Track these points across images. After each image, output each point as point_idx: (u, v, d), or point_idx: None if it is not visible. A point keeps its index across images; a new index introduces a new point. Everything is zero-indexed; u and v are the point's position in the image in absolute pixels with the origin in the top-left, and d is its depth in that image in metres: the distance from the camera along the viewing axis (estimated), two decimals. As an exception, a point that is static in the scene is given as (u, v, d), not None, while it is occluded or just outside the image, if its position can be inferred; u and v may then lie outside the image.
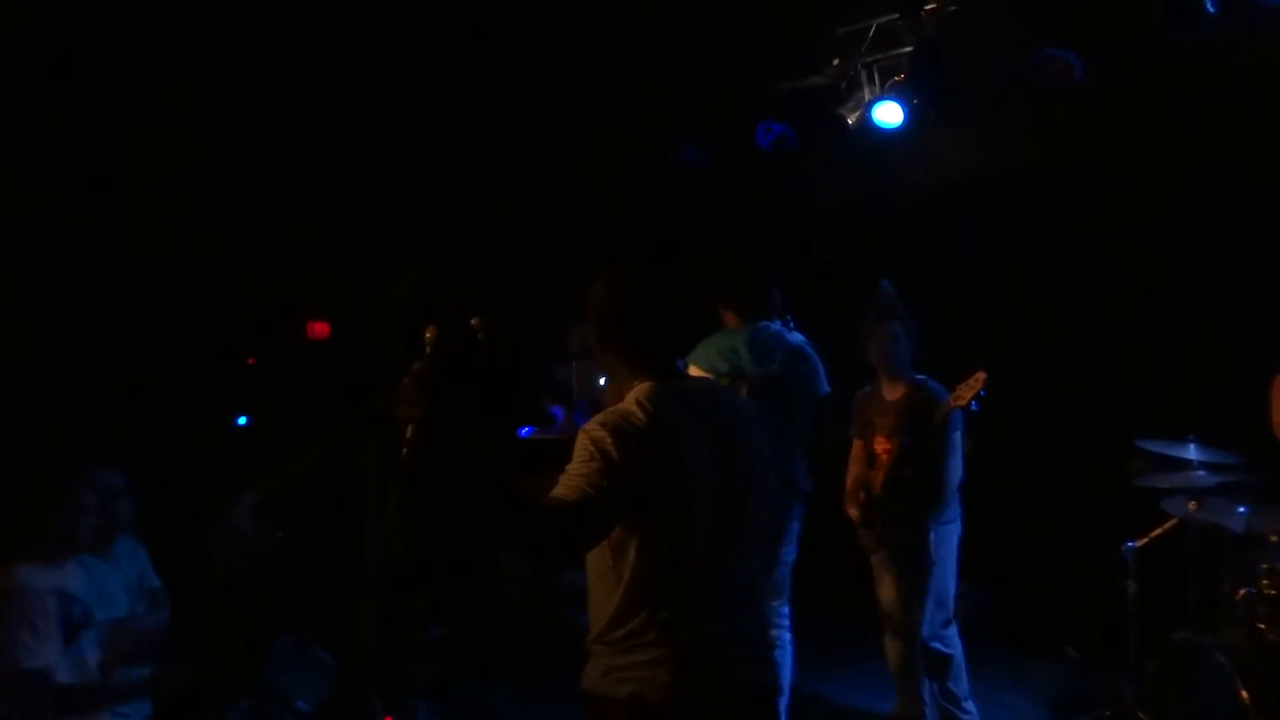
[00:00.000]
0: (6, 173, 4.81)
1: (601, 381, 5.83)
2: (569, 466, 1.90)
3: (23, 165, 4.86)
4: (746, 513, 2.07)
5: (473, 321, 2.23)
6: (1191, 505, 3.74)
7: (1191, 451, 3.84)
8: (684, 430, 1.96)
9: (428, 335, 1.89)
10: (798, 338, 3.96)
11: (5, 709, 2.44)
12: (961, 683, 3.96)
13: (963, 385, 3.65)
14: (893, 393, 3.99)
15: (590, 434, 1.90)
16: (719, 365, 3.73)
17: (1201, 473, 3.81)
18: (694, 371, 3.64)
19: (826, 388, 3.94)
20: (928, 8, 4.68)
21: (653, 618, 1.91)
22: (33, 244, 5.01)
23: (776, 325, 3.91)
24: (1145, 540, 3.84)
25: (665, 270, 2.10)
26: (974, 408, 3.65)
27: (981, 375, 3.60)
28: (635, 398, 1.99)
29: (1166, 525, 3.85)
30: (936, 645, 3.89)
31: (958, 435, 3.89)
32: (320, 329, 6.61)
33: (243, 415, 6.04)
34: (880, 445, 3.96)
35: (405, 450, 1.84)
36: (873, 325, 4.00)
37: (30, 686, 2.41)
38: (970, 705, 3.98)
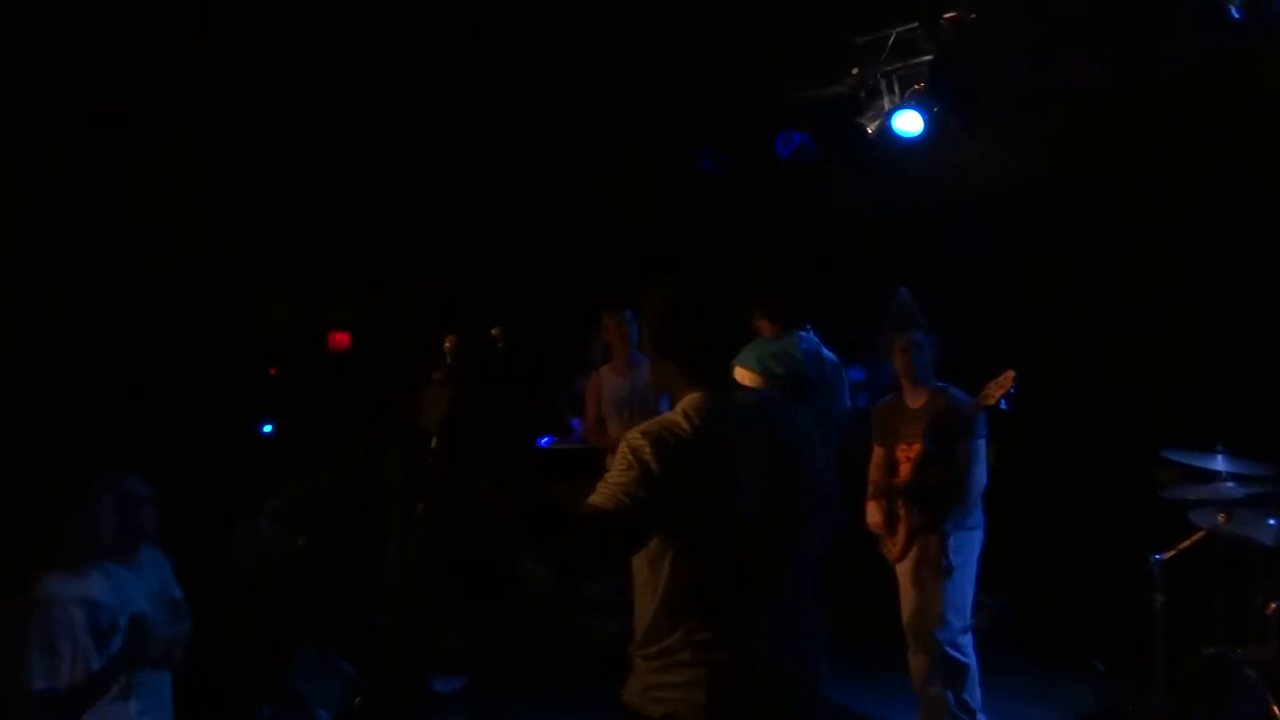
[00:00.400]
0: (36, 182, 4.87)
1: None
2: (608, 475, 1.86)
3: (41, 173, 4.92)
4: (799, 531, 1.98)
5: (493, 331, 2.23)
6: (1220, 517, 3.68)
7: (1220, 463, 3.78)
8: (731, 443, 1.90)
9: (447, 345, 1.87)
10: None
11: None
12: (975, 694, 3.92)
13: (992, 384, 3.66)
14: (915, 400, 3.98)
15: (630, 443, 1.85)
16: (774, 368, 3.54)
17: (1230, 484, 3.75)
18: (741, 374, 3.49)
19: (848, 402, 3.94)
20: (947, 16, 4.67)
21: (689, 636, 1.86)
22: (53, 251, 5.06)
23: (813, 335, 3.83)
24: (1172, 552, 3.79)
25: (725, 279, 2.06)
26: (1004, 406, 3.65)
27: (1010, 374, 3.61)
28: (683, 408, 1.93)
29: (1194, 538, 3.79)
30: (953, 653, 3.86)
31: (981, 443, 3.87)
32: (341, 339, 6.65)
33: (268, 424, 6.08)
34: (903, 453, 3.96)
35: (432, 459, 1.82)
36: (894, 334, 3.99)
37: (35, 707, 2.42)
38: (983, 719, 3.94)
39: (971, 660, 3.91)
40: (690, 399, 1.95)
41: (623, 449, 1.86)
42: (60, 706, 2.46)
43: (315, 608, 4.17)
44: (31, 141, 4.80)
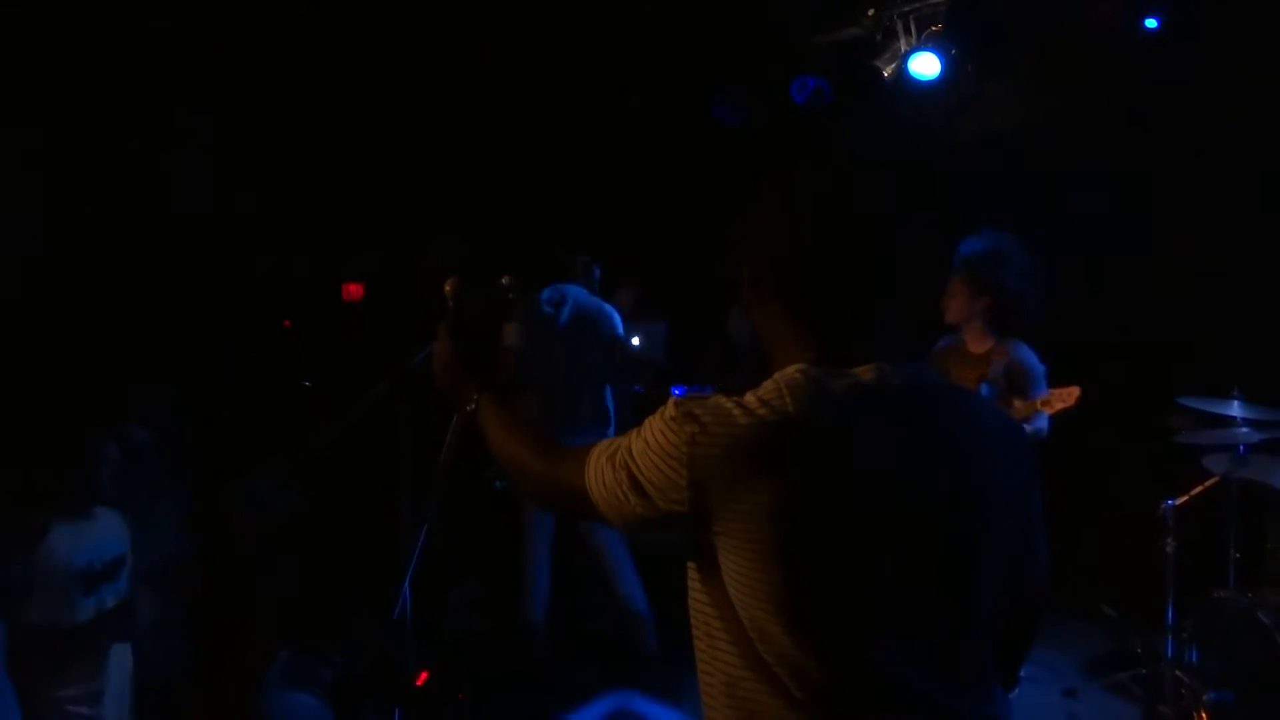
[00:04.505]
0: (54, 135, 4.86)
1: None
2: (640, 429, 1.31)
3: (62, 122, 4.91)
4: (957, 589, 1.27)
5: (503, 279, 2.21)
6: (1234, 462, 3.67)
7: (1235, 408, 3.75)
8: (838, 447, 1.21)
9: (447, 289, 1.80)
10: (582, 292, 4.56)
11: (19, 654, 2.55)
12: None
13: (1056, 394, 3.62)
14: (978, 346, 3.93)
15: (669, 421, 1.26)
16: (520, 320, 4.40)
17: (1245, 429, 3.73)
18: (510, 328, 4.39)
19: (620, 330, 4.54)
20: (965, -47, 4.55)
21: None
22: (70, 199, 5.07)
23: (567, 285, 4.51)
24: (1185, 498, 3.78)
25: (873, 190, 1.38)
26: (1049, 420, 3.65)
27: (1077, 391, 3.56)
28: (770, 385, 1.26)
29: (1208, 483, 3.78)
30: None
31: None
32: (355, 290, 6.66)
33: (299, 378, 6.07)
34: None
35: (457, 412, 1.65)
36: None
37: (34, 642, 2.54)
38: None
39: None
40: (790, 373, 1.27)
41: (658, 423, 1.28)
42: (57, 643, 2.58)
43: (329, 559, 4.23)
44: (49, 92, 4.78)
